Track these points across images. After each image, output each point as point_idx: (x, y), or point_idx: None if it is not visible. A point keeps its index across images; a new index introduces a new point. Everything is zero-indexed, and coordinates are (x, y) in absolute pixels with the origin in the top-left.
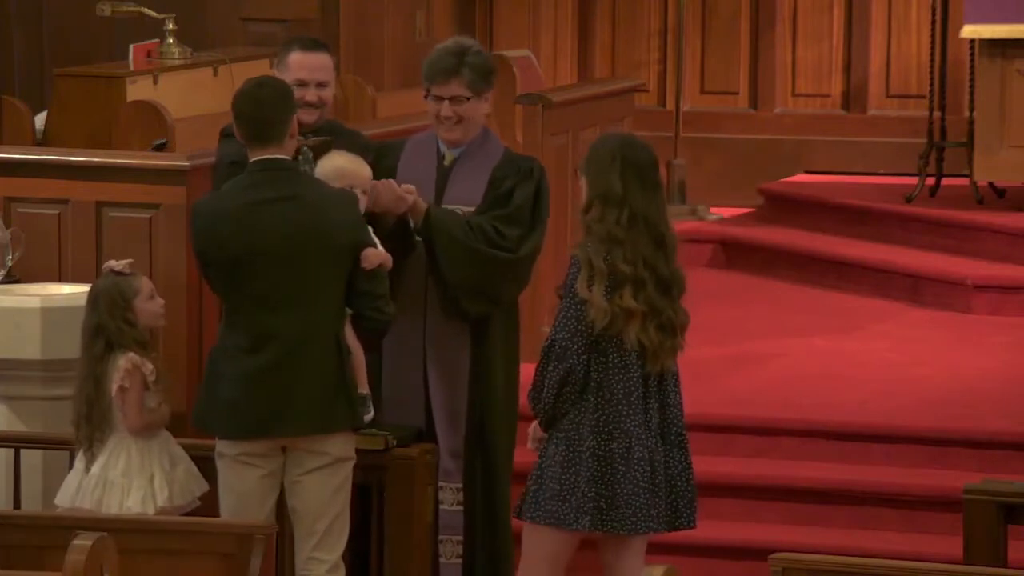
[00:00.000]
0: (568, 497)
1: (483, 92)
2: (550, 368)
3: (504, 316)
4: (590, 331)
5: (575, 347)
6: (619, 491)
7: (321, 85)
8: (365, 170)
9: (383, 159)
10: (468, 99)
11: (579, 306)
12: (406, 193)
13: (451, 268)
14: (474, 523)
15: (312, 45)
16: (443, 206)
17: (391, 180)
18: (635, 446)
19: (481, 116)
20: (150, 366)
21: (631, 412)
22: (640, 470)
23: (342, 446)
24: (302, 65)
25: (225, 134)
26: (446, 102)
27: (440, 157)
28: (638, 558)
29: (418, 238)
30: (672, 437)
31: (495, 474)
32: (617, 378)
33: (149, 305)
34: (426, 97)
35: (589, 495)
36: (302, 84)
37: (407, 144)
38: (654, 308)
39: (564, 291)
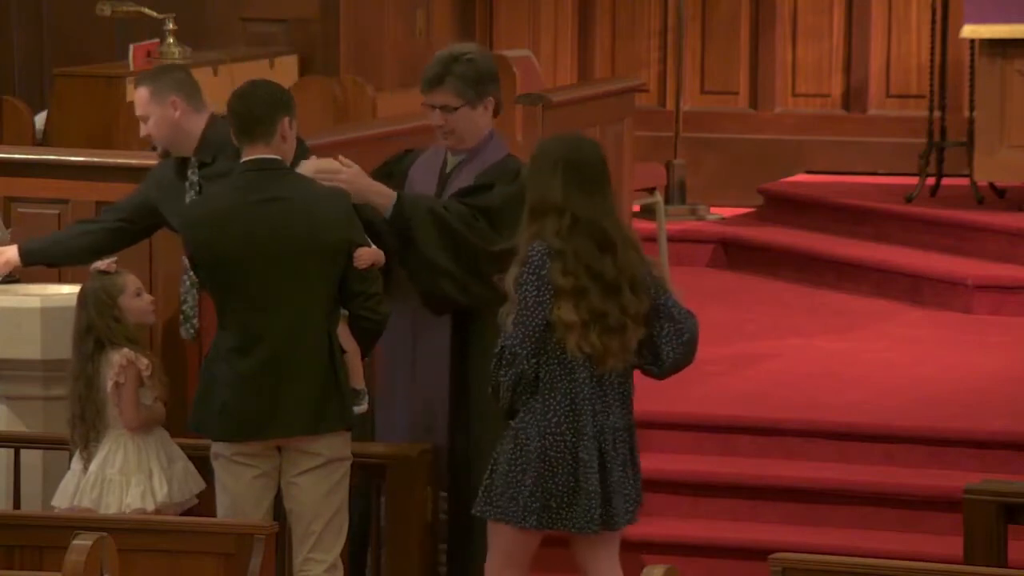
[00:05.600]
0: (516, 496)
1: (475, 100)
2: (502, 373)
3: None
4: (537, 334)
5: (524, 352)
6: (564, 490)
7: (143, 119)
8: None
9: (400, 164)
10: (457, 108)
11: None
12: (341, 166)
13: (427, 245)
14: (463, 532)
15: (137, 80)
16: None
17: (329, 159)
18: (580, 447)
19: (478, 124)
20: (145, 361)
21: (578, 413)
22: (584, 471)
23: (336, 446)
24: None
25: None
26: (437, 110)
27: (444, 164)
28: (605, 558)
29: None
30: (621, 432)
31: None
32: (564, 380)
33: (135, 302)
34: (423, 105)
35: (536, 494)
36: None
37: (422, 153)
38: (596, 314)
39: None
